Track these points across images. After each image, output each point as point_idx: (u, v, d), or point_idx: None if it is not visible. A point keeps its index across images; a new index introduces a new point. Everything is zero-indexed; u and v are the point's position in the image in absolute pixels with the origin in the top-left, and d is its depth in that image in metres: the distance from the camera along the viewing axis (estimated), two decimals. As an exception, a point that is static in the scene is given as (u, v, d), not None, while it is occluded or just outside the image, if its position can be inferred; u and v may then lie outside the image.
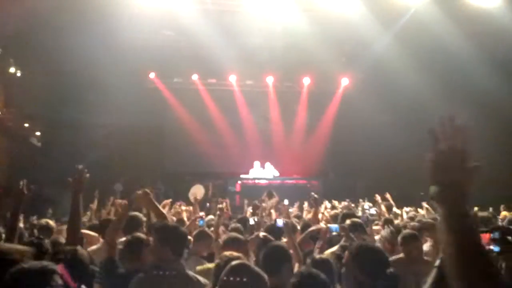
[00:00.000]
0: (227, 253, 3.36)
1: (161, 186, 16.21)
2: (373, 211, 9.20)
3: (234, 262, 2.73)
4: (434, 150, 1.39)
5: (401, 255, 4.61)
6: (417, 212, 8.75)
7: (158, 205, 4.26)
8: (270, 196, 10.92)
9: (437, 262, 1.94)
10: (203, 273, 3.74)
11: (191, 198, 8.93)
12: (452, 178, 1.36)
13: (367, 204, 10.13)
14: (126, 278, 3.66)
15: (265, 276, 2.63)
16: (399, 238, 4.76)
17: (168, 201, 8.57)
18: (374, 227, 6.74)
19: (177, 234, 3.62)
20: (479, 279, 1.28)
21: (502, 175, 12.87)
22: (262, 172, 15.96)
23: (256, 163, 16.04)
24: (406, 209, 8.88)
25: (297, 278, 2.76)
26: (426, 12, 13.12)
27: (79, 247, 3.46)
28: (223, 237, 4.42)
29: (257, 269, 2.68)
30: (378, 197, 8.68)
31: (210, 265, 3.94)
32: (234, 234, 4.52)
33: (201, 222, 6.38)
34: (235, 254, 3.32)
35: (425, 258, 4.64)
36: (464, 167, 1.37)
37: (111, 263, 3.86)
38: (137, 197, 4.30)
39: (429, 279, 1.94)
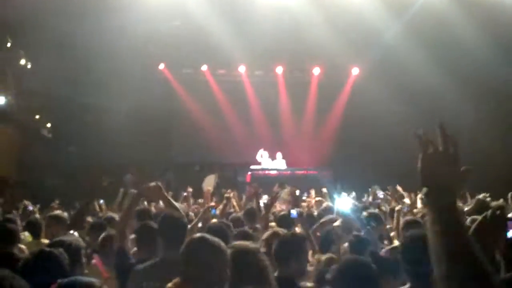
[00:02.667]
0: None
1: (171, 177, 16.26)
2: (381, 195, 9.17)
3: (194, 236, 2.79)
4: (423, 154, 1.43)
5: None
6: None
7: (169, 198, 4.22)
8: (282, 186, 10.95)
9: None
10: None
11: (204, 189, 8.99)
12: (440, 182, 1.39)
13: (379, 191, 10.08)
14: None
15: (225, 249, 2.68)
16: (401, 224, 4.73)
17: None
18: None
19: (171, 224, 3.62)
20: (469, 279, 1.28)
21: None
22: (272, 162, 15.97)
23: (261, 152, 16.03)
24: (420, 195, 8.81)
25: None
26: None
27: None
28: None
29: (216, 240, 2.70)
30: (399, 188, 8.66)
31: None
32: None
33: (213, 211, 6.40)
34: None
35: None
36: (453, 170, 1.40)
37: (122, 253, 3.88)
38: (147, 189, 4.29)
39: None
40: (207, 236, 2.77)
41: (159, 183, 4.21)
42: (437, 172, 1.40)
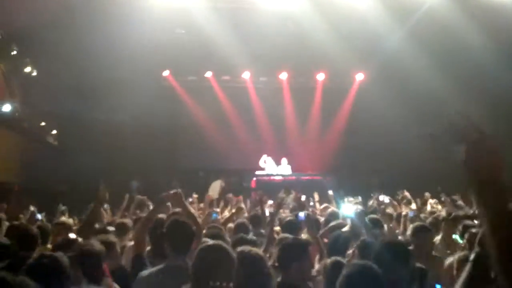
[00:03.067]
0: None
1: (176, 184, 16.21)
2: (386, 199, 9.15)
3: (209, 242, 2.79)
4: (464, 149, 1.31)
5: (410, 247, 4.58)
6: (441, 203, 8.70)
7: (187, 205, 4.37)
8: (287, 192, 10.93)
9: (472, 257, 1.91)
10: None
11: (210, 194, 9.03)
12: (487, 172, 1.29)
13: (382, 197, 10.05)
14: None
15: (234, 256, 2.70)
16: (410, 229, 4.72)
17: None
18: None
19: (179, 231, 3.63)
20: None
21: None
22: (276, 168, 15.96)
23: (264, 157, 16.02)
24: (431, 201, 8.81)
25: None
26: (441, 5, 12.98)
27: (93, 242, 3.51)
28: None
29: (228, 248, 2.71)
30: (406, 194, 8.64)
31: None
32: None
33: (214, 215, 6.42)
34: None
35: (434, 253, 4.59)
36: (495, 156, 1.31)
37: (139, 261, 3.88)
38: (168, 197, 4.42)
39: (464, 273, 1.92)
40: (220, 243, 2.78)
41: (179, 191, 4.37)
42: (482, 164, 1.29)
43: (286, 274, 3.41)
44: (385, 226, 6.08)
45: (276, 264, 3.61)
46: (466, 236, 4.32)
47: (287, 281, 3.37)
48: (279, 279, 3.44)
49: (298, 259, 3.46)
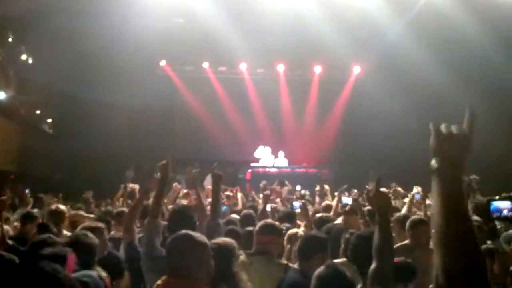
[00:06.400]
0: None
1: (181, 177, 16.02)
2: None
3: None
4: (439, 134, 1.46)
5: (407, 241, 4.55)
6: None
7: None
8: (282, 184, 10.90)
9: None
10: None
11: (205, 187, 9.03)
12: (453, 156, 1.43)
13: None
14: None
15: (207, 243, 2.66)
16: (407, 223, 4.68)
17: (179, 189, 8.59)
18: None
19: (180, 220, 3.61)
20: (459, 243, 1.35)
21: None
22: (274, 160, 15.95)
23: (261, 148, 15.98)
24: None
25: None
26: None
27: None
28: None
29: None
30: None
31: None
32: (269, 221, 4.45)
33: (225, 207, 6.38)
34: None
35: (430, 246, 4.58)
36: (466, 150, 1.46)
37: (131, 249, 3.90)
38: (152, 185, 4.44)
39: None
40: (190, 232, 2.70)
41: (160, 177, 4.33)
42: (452, 148, 1.44)
43: (307, 264, 3.33)
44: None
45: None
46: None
47: (310, 270, 3.28)
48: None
49: (321, 252, 3.44)
